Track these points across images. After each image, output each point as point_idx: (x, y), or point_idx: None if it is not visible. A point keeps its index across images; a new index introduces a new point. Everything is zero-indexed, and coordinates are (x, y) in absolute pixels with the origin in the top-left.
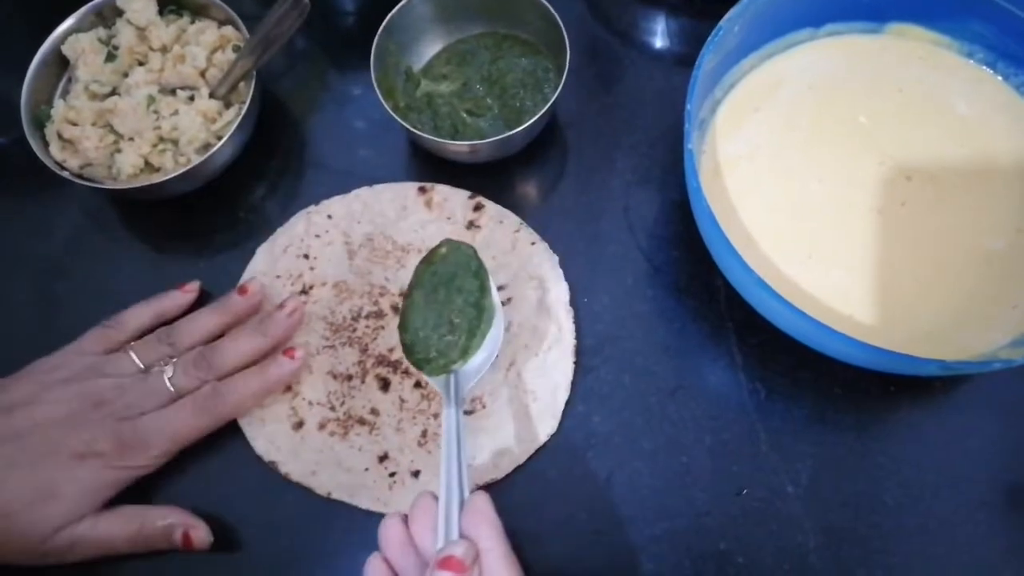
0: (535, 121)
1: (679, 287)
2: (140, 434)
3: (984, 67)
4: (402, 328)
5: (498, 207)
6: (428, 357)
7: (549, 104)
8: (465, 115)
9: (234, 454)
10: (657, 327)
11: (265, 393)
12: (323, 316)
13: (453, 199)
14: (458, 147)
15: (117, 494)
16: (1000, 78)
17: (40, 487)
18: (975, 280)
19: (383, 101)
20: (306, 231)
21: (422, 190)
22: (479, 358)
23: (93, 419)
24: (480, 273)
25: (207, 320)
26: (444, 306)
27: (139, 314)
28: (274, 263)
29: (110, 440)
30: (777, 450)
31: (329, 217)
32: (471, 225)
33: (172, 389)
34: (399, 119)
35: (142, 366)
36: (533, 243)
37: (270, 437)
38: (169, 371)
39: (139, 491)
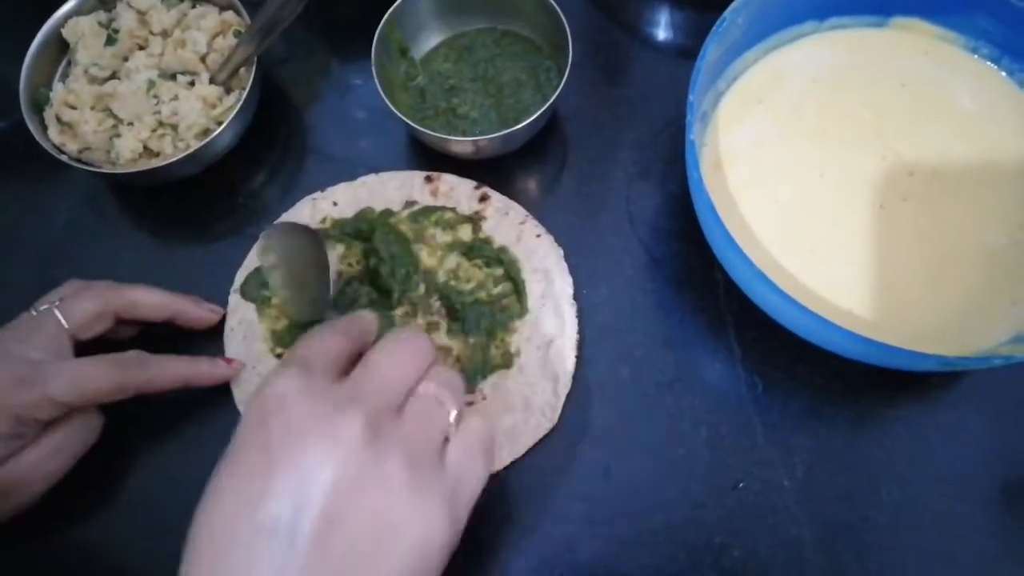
0: (537, 117)
1: (679, 280)
2: (37, 372)
3: (989, 62)
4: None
5: (504, 198)
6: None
7: (550, 101)
8: (464, 110)
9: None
10: (656, 319)
11: (184, 382)
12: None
13: (459, 189)
14: (461, 145)
15: (25, 442)
16: (1005, 74)
17: None
18: (976, 276)
19: (384, 96)
20: (311, 217)
21: (428, 179)
22: None
23: None
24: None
25: (150, 293)
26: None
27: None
28: None
29: None
30: (774, 443)
31: (335, 204)
32: (476, 215)
33: (65, 322)
34: (400, 115)
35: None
36: (538, 235)
37: None
38: (57, 302)
39: (136, 479)
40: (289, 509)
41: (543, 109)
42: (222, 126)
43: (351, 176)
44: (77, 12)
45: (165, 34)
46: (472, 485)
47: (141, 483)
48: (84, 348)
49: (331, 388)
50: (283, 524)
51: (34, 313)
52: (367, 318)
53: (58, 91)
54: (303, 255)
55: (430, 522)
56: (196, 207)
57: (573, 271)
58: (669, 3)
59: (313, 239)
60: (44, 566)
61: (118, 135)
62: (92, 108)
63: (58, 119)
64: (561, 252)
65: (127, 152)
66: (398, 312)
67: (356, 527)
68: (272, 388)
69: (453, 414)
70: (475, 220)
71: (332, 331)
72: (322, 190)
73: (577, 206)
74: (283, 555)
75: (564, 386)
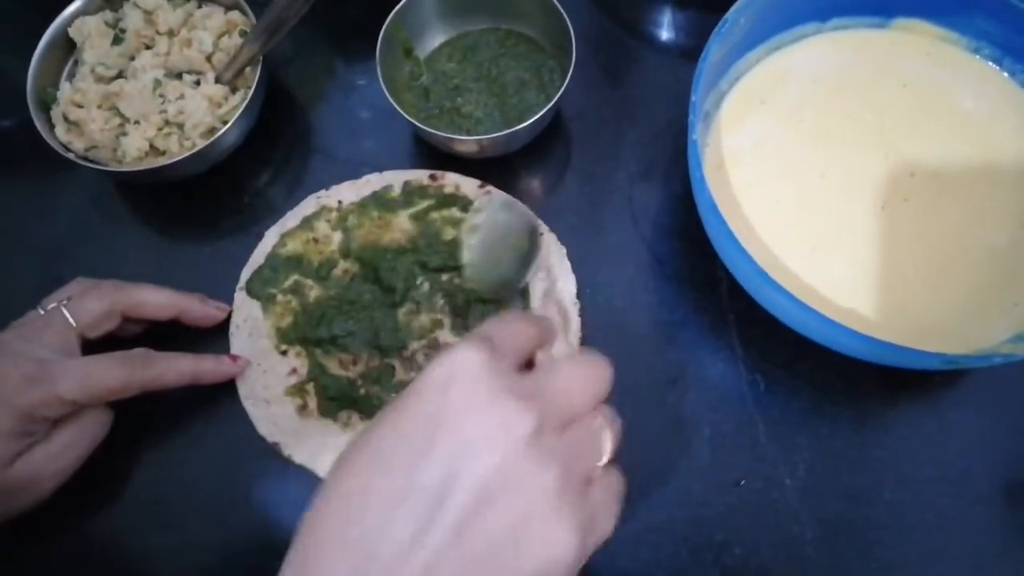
0: (541, 117)
1: (681, 279)
2: (45, 371)
3: (990, 63)
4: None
5: (508, 197)
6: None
7: (554, 101)
8: (468, 109)
9: (236, 434)
10: (658, 318)
11: (190, 379)
12: None
13: (464, 187)
14: (465, 144)
15: (35, 439)
16: (1006, 74)
17: None
18: (977, 276)
19: (388, 96)
20: (316, 215)
21: (432, 178)
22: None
23: None
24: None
25: (157, 292)
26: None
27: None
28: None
29: (7, 367)
30: (776, 442)
31: (339, 202)
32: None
33: (73, 321)
34: (404, 114)
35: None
36: (541, 234)
37: (274, 419)
38: (65, 301)
39: (142, 474)
40: (446, 477)
41: (546, 109)
42: (227, 125)
43: (356, 175)
44: (84, 12)
45: (171, 33)
46: (603, 527)
47: (147, 478)
48: (90, 346)
49: (514, 376)
50: (435, 488)
51: (42, 312)
52: (555, 322)
53: (65, 90)
54: (510, 233)
55: (563, 543)
56: (201, 206)
57: (576, 269)
58: (672, 4)
59: (528, 227)
60: (54, 561)
61: (124, 134)
62: (99, 107)
63: (65, 118)
64: (564, 251)
65: (133, 150)
66: (402, 310)
67: (499, 520)
68: (460, 355)
69: (606, 456)
70: None
71: (526, 320)
72: (327, 189)
73: (580, 205)
74: (426, 518)
75: None
